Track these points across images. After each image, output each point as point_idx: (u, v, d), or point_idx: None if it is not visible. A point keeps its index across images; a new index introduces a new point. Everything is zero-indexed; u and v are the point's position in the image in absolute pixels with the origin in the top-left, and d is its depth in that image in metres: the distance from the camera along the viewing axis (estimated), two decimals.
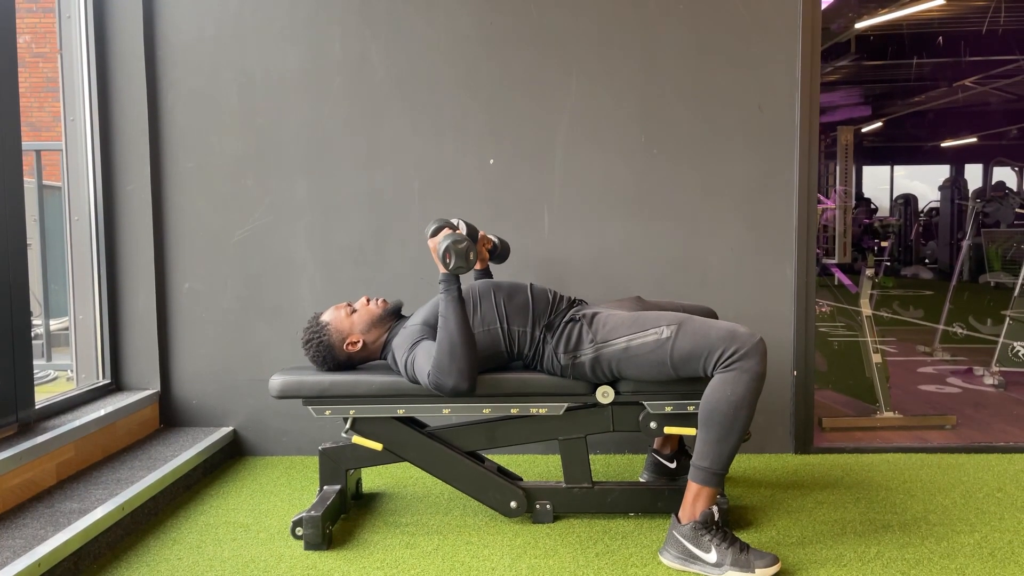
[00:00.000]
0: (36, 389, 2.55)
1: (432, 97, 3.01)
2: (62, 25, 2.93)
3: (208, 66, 3.01)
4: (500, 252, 2.52)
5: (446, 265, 2.13)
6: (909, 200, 13.26)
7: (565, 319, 2.28)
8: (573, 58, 3.00)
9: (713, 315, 2.53)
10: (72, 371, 3.10)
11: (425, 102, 3.01)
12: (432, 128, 3.02)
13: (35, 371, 2.56)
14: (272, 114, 3.02)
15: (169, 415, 3.08)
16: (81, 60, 2.94)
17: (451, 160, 3.02)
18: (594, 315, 2.25)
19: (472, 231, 2.32)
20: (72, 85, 2.95)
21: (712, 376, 2.07)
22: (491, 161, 3.02)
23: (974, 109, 12.16)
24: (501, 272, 2.72)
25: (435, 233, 2.23)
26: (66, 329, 3.60)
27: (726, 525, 2.11)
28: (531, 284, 2.35)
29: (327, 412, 2.32)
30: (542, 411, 2.31)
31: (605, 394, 2.28)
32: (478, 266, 2.58)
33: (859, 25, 7.52)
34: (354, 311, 2.36)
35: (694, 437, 2.12)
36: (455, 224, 2.28)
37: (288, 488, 2.72)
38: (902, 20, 7.48)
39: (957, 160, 15.98)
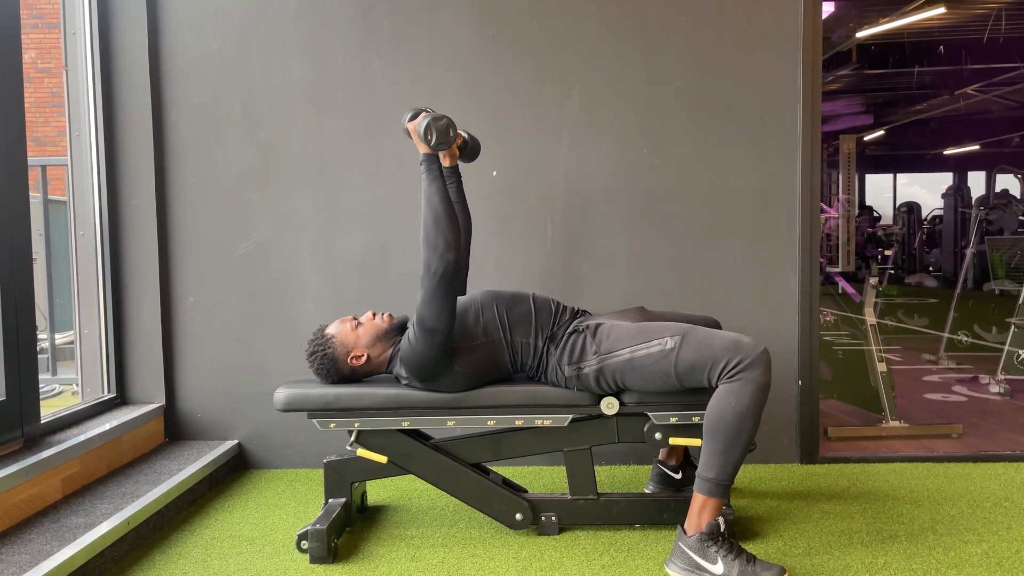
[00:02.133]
0: (41, 403, 2.55)
1: (435, 109, 3.01)
2: (67, 41, 2.95)
3: (212, 81, 3.03)
4: (470, 149, 2.52)
5: (427, 143, 2.19)
6: (912, 208, 13.26)
7: (568, 330, 2.28)
8: (575, 70, 3.02)
9: (717, 325, 2.53)
10: (77, 385, 3.10)
11: None
12: None
13: (40, 385, 2.56)
14: (275, 128, 3.04)
15: (174, 429, 3.09)
16: (86, 75, 2.96)
17: None
18: (597, 326, 2.26)
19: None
20: (77, 100, 2.97)
21: (716, 387, 2.07)
22: (494, 173, 3.03)
23: (976, 117, 12.17)
24: (502, 280, 2.72)
25: (413, 118, 2.29)
26: (71, 343, 3.61)
27: (732, 536, 2.10)
28: (533, 294, 2.36)
29: (332, 425, 2.32)
30: (547, 423, 2.31)
31: (610, 405, 2.28)
32: (448, 162, 2.52)
33: (860, 35, 7.54)
34: (359, 324, 2.36)
35: (699, 448, 2.11)
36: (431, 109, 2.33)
37: (293, 501, 2.72)
38: (903, 29, 7.50)
39: (960, 168, 15.98)
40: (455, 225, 2.17)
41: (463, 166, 2.61)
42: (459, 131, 2.47)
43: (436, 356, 2.20)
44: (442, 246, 2.13)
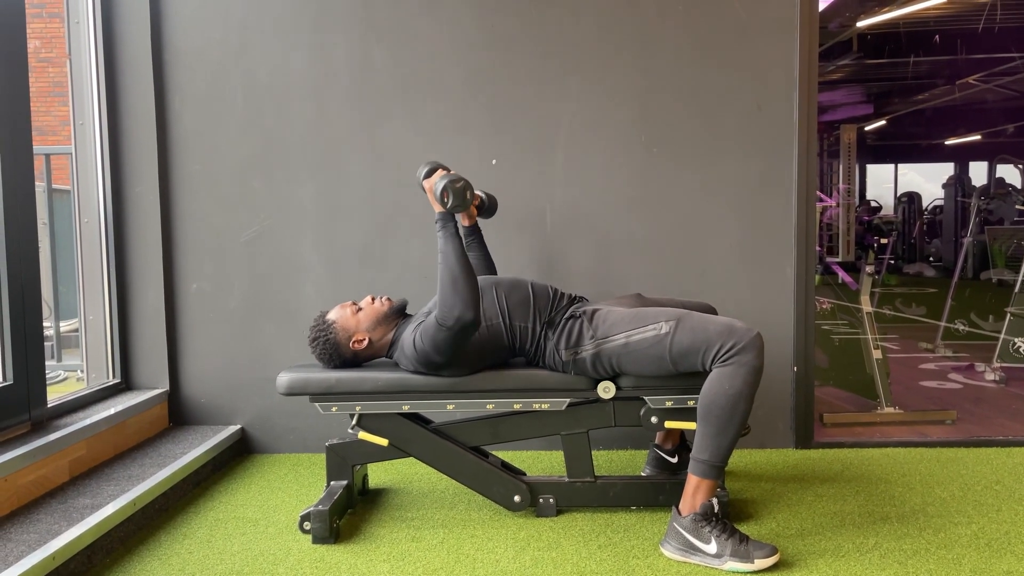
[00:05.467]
0: (47, 389, 2.59)
1: (435, 99, 3.06)
2: (70, 30, 2.98)
3: (214, 70, 3.05)
4: (488, 207, 2.56)
5: (443, 204, 2.19)
6: (913, 198, 13.26)
7: (566, 315, 2.31)
8: (573, 59, 3.04)
9: (713, 311, 2.56)
10: (82, 372, 3.14)
11: (428, 104, 3.06)
12: (435, 129, 3.06)
13: (46, 371, 2.60)
14: (278, 117, 3.07)
15: (178, 414, 3.13)
16: (89, 64, 2.99)
17: (454, 160, 3.06)
18: (594, 311, 2.29)
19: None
20: (81, 89, 3.00)
21: (710, 370, 2.11)
22: (493, 161, 3.06)
23: (977, 107, 12.15)
24: (501, 267, 2.76)
25: (429, 175, 2.29)
26: (75, 331, 3.64)
27: (726, 517, 2.15)
28: (532, 281, 2.40)
29: (333, 408, 2.35)
30: (544, 406, 2.35)
31: (606, 389, 2.32)
32: (466, 222, 2.63)
33: (860, 24, 7.53)
34: (359, 309, 2.40)
35: (695, 431, 2.15)
36: (447, 166, 2.33)
37: (295, 484, 2.76)
38: (903, 18, 7.50)
39: (961, 158, 15.96)
40: (472, 284, 2.17)
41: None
42: (476, 192, 2.48)
43: (437, 364, 2.26)
44: (459, 307, 2.14)
